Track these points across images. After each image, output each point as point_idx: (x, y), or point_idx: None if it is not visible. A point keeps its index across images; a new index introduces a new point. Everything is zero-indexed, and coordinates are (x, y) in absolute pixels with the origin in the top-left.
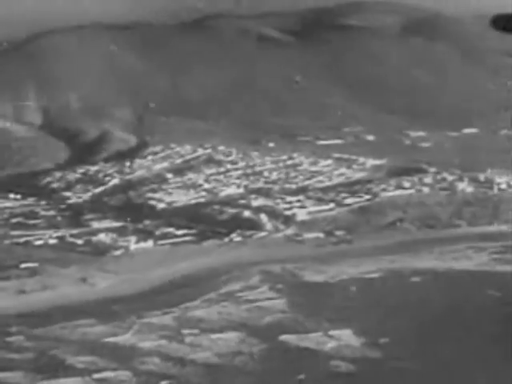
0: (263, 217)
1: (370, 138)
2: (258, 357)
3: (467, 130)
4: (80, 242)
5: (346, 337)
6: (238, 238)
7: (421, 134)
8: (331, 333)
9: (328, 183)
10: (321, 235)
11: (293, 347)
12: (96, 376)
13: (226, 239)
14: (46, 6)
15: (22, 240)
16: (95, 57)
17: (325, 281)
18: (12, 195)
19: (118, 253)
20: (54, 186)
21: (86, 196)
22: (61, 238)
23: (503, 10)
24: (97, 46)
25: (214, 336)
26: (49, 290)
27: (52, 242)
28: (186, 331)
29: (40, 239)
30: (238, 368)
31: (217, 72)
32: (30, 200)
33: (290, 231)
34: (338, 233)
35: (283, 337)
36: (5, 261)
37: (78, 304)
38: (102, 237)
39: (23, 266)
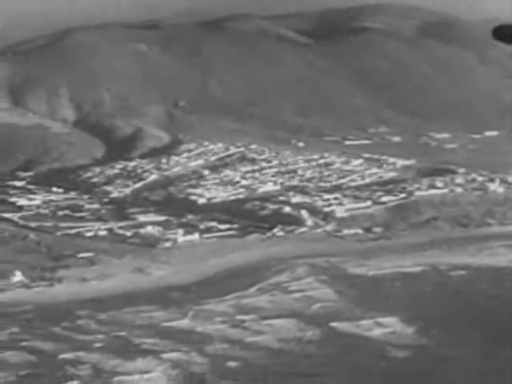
0: (304, 213)
1: (396, 139)
2: (315, 341)
3: (489, 133)
4: (129, 233)
5: (394, 325)
6: (281, 233)
7: (445, 135)
8: (380, 320)
9: (361, 182)
10: (360, 231)
11: (345, 333)
12: (166, 356)
13: (269, 234)
14: (63, 5)
15: (73, 231)
16: (125, 55)
17: (368, 273)
18: (55, 189)
19: (167, 245)
20: (94, 180)
21: (127, 191)
22: (110, 230)
23: (509, 15)
24: (125, 44)
25: (271, 322)
26: (108, 278)
27: (102, 233)
28: (242, 317)
29: (90, 231)
30: (298, 351)
31: (242, 72)
32: (73, 194)
33: (329, 227)
34: (376, 229)
35: (334, 323)
36: (61, 251)
37: (136, 291)
38: (149, 229)
39: (80, 255)
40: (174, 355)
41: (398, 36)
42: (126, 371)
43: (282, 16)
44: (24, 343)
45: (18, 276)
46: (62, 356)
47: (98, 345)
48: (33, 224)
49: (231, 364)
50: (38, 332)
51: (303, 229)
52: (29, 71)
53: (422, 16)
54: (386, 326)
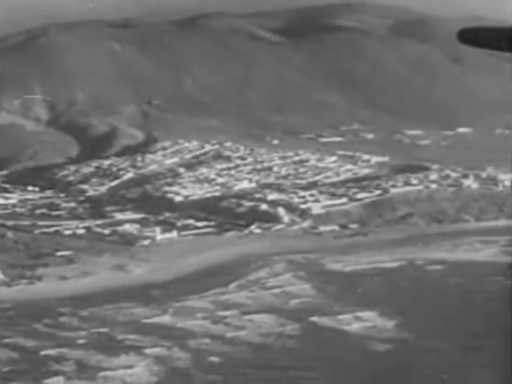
0: (280, 210)
1: (370, 136)
2: (295, 336)
3: (461, 129)
4: (107, 232)
5: (374, 319)
6: (258, 230)
7: (417, 132)
8: (359, 315)
9: (336, 179)
10: (336, 228)
11: (325, 327)
12: (149, 352)
13: (246, 231)
14: (37, 2)
15: (51, 230)
16: (98, 53)
17: (345, 269)
18: (30, 187)
19: (145, 243)
20: (70, 179)
21: (103, 189)
22: (88, 229)
23: (490, 12)
24: (99, 42)
25: (251, 317)
26: (88, 276)
27: (80, 232)
28: (223, 313)
29: (68, 229)
30: (279, 346)
31: (216, 70)
32: (49, 192)
33: (306, 224)
34: (352, 226)
35: (313, 318)
36: (40, 249)
37: (117, 289)
38: (127, 227)
39: (59, 254)
40: (156, 351)
41: (372, 34)
42: (109, 367)
43: (256, 14)
44: (6, 340)
45: None
46: (45, 352)
47: (80, 341)
48: (9, 223)
49: (213, 359)
50: (19, 329)
51: (280, 226)
52: (1, 70)
53: (397, 15)
54: (365, 321)
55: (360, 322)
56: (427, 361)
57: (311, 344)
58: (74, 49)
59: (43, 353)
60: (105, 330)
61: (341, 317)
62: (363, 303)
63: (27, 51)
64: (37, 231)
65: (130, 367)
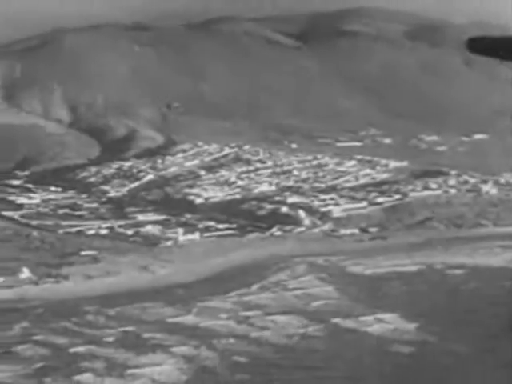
0: (301, 213)
1: (387, 141)
2: (318, 337)
3: (478, 136)
4: (130, 232)
5: (395, 321)
6: (279, 233)
7: (434, 138)
8: (380, 317)
9: (355, 183)
10: (356, 231)
11: (347, 329)
12: (176, 350)
13: (267, 233)
14: (51, 5)
15: (74, 230)
16: (116, 56)
17: (366, 272)
18: (53, 188)
19: (168, 244)
20: (91, 180)
21: (124, 190)
22: (110, 229)
23: (502, 17)
24: (117, 45)
25: (274, 318)
26: (113, 275)
27: (103, 232)
28: (246, 313)
29: (91, 229)
30: (303, 347)
31: (232, 74)
32: (71, 193)
33: (326, 227)
34: (372, 229)
35: (336, 320)
36: (64, 248)
37: (142, 288)
38: (149, 228)
39: (83, 253)
40: (183, 349)
41: (385, 40)
42: (137, 365)
43: (268, 18)
44: (35, 337)
45: (25, 273)
46: (74, 349)
47: (108, 339)
48: (34, 222)
49: (239, 358)
50: (48, 326)
51: (301, 228)
52: (22, 71)
53: (409, 20)
54: (386, 323)
55: (381, 323)
56: (447, 362)
57: (334, 345)
58: (93, 52)
59: (72, 350)
60: (131, 328)
61: (362, 318)
62: (384, 305)
63: (46, 53)
64: (61, 231)
65: (158, 365)
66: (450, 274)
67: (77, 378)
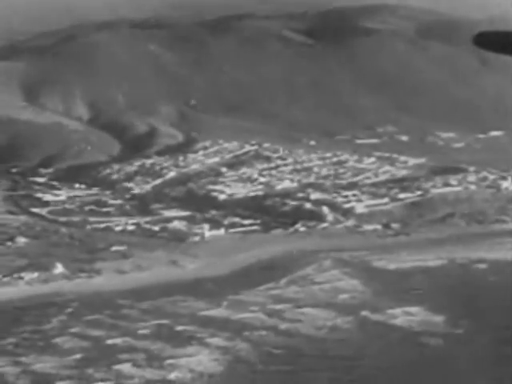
0: (324, 209)
1: (404, 138)
2: (347, 329)
3: (494, 133)
4: (156, 228)
5: (420, 313)
6: (303, 229)
7: (451, 135)
8: (406, 309)
9: (375, 179)
10: (379, 227)
11: (374, 321)
12: (211, 342)
13: (291, 229)
14: (65, 1)
15: (102, 226)
16: (134, 53)
17: (390, 267)
18: (77, 185)
19: (195, 239)
20: (115, 177)
21: (148, 187)
22: (137, 225)
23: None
24: (135, 42)
25: (303, 310)
26: (144, 270)
27: (130, 228)
28: (276, 306)
29: (118, 225)
30: (333, 338)
31: (250, 71)
32: (95, 190)
33: (350, 223)
34: (395, 225)
35: (363, 312)
36: (94, 244)
37: (173, 283)
38: (176, 224)
39: (113, 249)
40: (217, 341)
41: (401, 37)
42: (174, 356)
43: (283, 16)
44: (73, 330)
45: (58, 268)
46: (111, 341)
47: (143, 331)
48: (62, 219)
49: (272, 349)
50: (84, 319)
51: (324, 224)
52: (42, 70)
53: (421, 16)
54: (413, 315)
55: (408, 316)
56: (473, 352)
57: (363, 336)
58: (111, 49)
59: (110, 342)
60: (165, 321)
61: (389, 311)
62: (410, 299)
63: (65, 52)
64: (88, 227)
65: (195, 356)
66: (473, 269)
67: (116, 367)
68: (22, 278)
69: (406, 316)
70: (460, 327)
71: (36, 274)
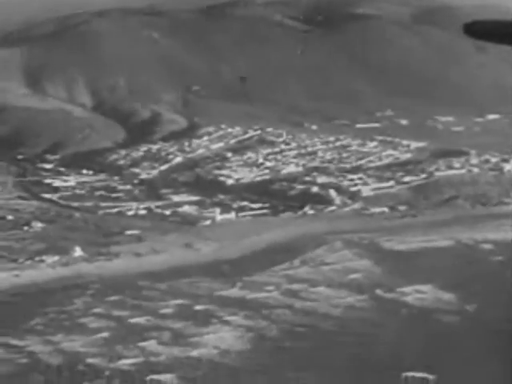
0: (332, 192)
1: (404, 122)
2: (362, 307)
3: (491, 116)
4: (167, 212)
5: (431, 291)
6: (311, 212)
7: (449, 119)
8: (417, 288)
9: (379, 163)
10: (386, 209)
11: (387, 299)
12: (229, 320)
13: (300, 212)
14: None
15: (114, 211)
16: (136, 40)
17: (399, 247)
18: (84, 171)
19: (207, 223)
20: (121, 162)
21: (155, 172)
22: (149, 210)
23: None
24: (135, 30)
25: (318, 289)
26: (160, 253)
27: (142, 212)
28: (291, 286)
29: (130, 210)
30: (350, 316)
31: (249, 57)
32: (103, 176)
33: (357, 206)
34: (401, 207)
35: (376, 291)
36: (109, 228)
37: (189, 265)
38: (186, 208)
39: (128, 233)
40: (237, 320)
41: (396, 22)
42: (197, 334)
43: (277, 2)
44: (97, 310)
45: (78, 251)
46: (135, 320)
47: (164, 311)
48: (74, 204)
49: (293, 327)
50: (107, 300)
51: (332, 207)
52: (44, 57)
53: (415, 2)
54: (424, 293)
55: (419, 294)
56: (484, 328)
57: (377, 314)
58: (113, 36)
59: (133, 321)
60: (184, 301)
61: (400, 289)
62: (420, 277)
63: (66, 39)
64: (101, 212)
65: (217, 334)
66: (478, 248)
67: (141, 344)
68: (43, 261)
69: (417, 294)
70: (470, 304)
71: (57, 258)
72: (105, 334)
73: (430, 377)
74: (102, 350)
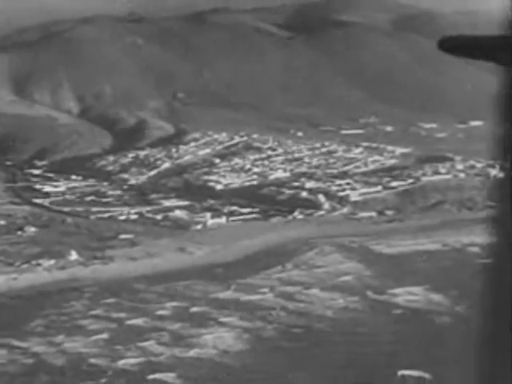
0: (320, 197)
1: (388, 128)
2: (355, 308)
3: (473, 123)
4: (159, 217)
5: (423, 293)
6: (300, 216)
7: (432, 125)
8: (409, 289)
9: (365, 169)
10: (374, 214)
11: (379, 300)
12: (225, 321)
13: (290, 217)
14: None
15: (105, 215)
16: (120, 47)
17: (388, 250)
18: (74, 176)
19: (198, 227)
20: (110, 168)
21: (143, 178)
22: (140, 214)
23: (485, 6)
24: (120, 37)
25: (311, 292)
26: (154, 257)
27: (133, 217)
28: (285, 288)
29: (121, 215)
30: (346, 317)
31: (232, 63)
32: (92, 181)
33: (346, 210)
34: (389, 212)
35: (368, 292)
36: (102, 233)
37: (183, 268)
38: (177, 213)
39: (121, 237)
40: (234, 320)
41: (378, 29)
42: (196, 334)
43: (257, 10)
44: (95, 312)
45: (73, 255)
46: (134, 322)
47: (162, 312)
48: (65, 209)
49: (288, 328)
50: (104, 303)
51: (321, 212)
52: (30, 63)
53: (396, 9)
54: (416, 295)
55: (410, 295)
56: (477, 328)
57: (371, 314)
58: (97, 43)
59: (131, 322)
60: (180, 303)
61: (392, 291)
62: (409, 279)
63: (51, 45)
64: (93, 217)
65: (215, 335)
66: (465, 251)
67: (142, 345)
68: (39, 265)
69: (408, 295)
70: (460, 305)
71: (53, 261)
72: (105, 335)
73: (426, 375)
74: (103, 350)
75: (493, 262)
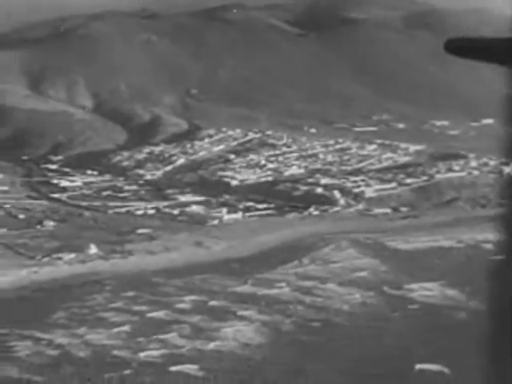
0: (336, 193)
1: (401, 126)
2: (372, 303)
3: (485, 121)
4: (176, 212)
5: (438, 289)
6: (316, 212)
7: (444, 123)
8: (425, 285)
9: (379, 165)
10: (388, 210)
11: (395, 296)
12: (242, 313)
13: (305, 213)
14: None
15: (123, 210)
16: (134, 43)
17: (404, 247)
18: (89, 171)
19: (214, 222)
20: (125, 164)
21: (159, 173)
22: (157, 209)
23: (497, 4)
24: (133, 33)
25: (328, 286)
26: (173, 251)
27: (150, 212)
28: (303, 283)
29: (138, 209)
30: (363, 311)
31: (246, 60)
32: (108, 176)
33: (361, 206)
34: (403, 209)
35: (384, 287)
36: (120, 227)
37: (201, 262)
38: (194, 208)
39: (139, 231)
40: (253, 314)
41: (388, 26)
42: (217, 327)
43: (269, 6)
44: (117, 305)
45: (93, 249)
46: (155, 315)
47: (182, 306)
48: (83, 203)
49: (306, 322)
50: (125, 296)
51: (336, 208)
52: (45, 59)
53: (408, 6)
54: (431, 290)
55: (425, 291)
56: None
57: (387, 309)
58: (111, 39)
59: (153, 315)
60: (199, 297)
61: (407, 286)
62: (424, 275)
63: (65, 41)
64: (110, 211)
65: (236, 328)
66: (480, 248)
67: (164, 337)
68: (60, 259)
69: (424, 291)
70: (476, 301)
71: (73, 255)
72: (127, 328)
73: (445, 370)
74: (126, 342)
75: (503, 259)
